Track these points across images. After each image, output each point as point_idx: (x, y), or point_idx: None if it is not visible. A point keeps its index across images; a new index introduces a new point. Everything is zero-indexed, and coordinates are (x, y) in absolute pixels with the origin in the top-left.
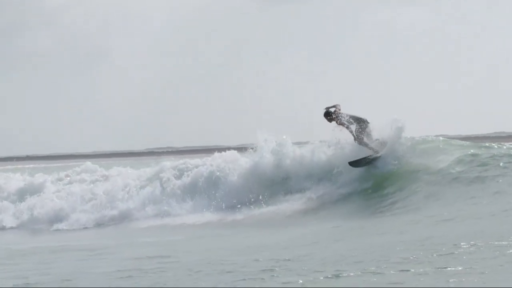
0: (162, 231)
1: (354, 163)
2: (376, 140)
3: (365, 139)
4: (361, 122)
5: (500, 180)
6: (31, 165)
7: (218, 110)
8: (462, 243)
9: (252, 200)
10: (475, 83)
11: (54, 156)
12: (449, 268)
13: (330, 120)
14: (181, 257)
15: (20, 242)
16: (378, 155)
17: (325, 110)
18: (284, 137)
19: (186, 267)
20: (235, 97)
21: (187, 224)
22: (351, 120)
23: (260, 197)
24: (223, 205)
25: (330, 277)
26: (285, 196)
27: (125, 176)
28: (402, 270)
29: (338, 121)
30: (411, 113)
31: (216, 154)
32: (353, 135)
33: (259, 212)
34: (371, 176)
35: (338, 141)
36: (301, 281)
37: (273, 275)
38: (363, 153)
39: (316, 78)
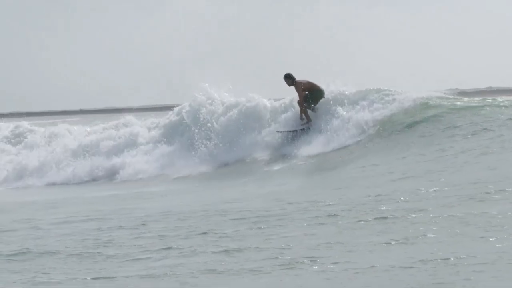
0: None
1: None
2: (314, 108)
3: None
4: (316, 92)
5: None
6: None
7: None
8: None
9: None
10: None
11: (103, 110)
12: None
13: (289, 83)
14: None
15: (92, 191)
16: (305, 126)
17: (287, 73)
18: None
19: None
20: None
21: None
22: (307, 87)
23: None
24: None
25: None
26: None
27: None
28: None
29: (296, 86)
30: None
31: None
32: (301, 97)
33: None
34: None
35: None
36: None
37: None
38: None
39: None
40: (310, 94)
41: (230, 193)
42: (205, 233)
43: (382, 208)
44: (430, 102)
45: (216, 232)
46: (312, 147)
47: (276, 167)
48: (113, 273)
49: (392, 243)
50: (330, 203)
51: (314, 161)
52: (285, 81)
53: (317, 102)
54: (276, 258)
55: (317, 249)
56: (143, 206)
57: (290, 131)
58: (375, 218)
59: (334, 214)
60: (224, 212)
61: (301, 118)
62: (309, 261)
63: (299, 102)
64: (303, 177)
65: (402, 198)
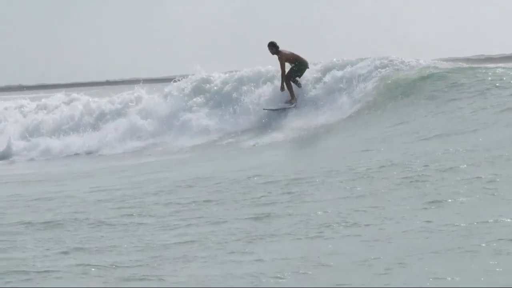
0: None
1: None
2: (298, 82)
3: (292, 82)
4: (300, 64)
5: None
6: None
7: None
8: None
9: None
10: None
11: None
12: None
13: (273, 52)
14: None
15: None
16: (292, 105)
17: (272, 41)
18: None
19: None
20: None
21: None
22: (291, 58)
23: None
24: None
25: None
26: None
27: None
28: None
29: (279, 56)
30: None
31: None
32: (283, 69)
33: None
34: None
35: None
36: None
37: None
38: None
39: None
40: (295, 67)
41: (257, 159)
42: (237, 198)
43: (413, 169)
44: (431, 65)
45: (248, 197)
46: (323, 113)
47: (294, 134)
48: (148, 240)
49: (425, 205)
50: (360, 165)
51: (334, 126)
52: (269, 49)
53: (302, 75)
54: (309, 222)
55: (350, 212)
56: (173, 174)
57: (276, 109)
58: (408, 180)
59: (365, 177)
60: (255, 177)
61: (282, 90)
62: (342, 225)
63: (282, 75)
64: (327, 141)
65: (432, 159)
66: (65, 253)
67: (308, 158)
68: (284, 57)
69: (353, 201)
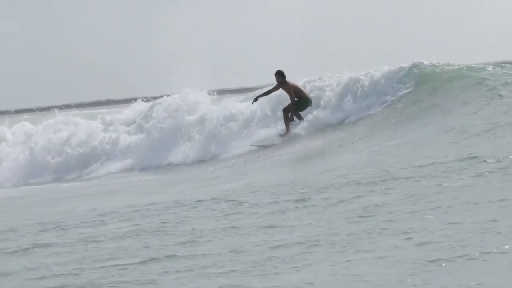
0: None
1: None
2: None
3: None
4: (303, 99)
5: None
6: None
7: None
8: None
9: None
10: None
11: None
12: None
13: (279, 81)
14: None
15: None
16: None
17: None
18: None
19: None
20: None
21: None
22: (296, 91)
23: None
24: None
25: None
26: None
27: None
28: None
29: (286, 86)
30: None
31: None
32: (292, 99)
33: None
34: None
35: None
36: None
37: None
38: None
39: None
40: (298, 101)
41: (320, 164)
42: (336, 197)
43: (501, 160)
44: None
45: (346, 194)
46: (384, 102)
47: (367, 128)
48: (254, 243)
49: None
50: (447, 157)
51: (405, 114)
52: (276, 78)
53: (304, 110)
54: (411, 218)
55: (449, 206)
56: (263, 177)
57: (264, 146)
58: (499, 173)
59: (456, 170)
60: (327, 181)
61: (291, 120)
62: (445, 219)
63: (292, 103)
64: (405, 133)
65: None
66: (168, 258)
67: (394, 153)
68: (291, 88)
69: (448, 195)
